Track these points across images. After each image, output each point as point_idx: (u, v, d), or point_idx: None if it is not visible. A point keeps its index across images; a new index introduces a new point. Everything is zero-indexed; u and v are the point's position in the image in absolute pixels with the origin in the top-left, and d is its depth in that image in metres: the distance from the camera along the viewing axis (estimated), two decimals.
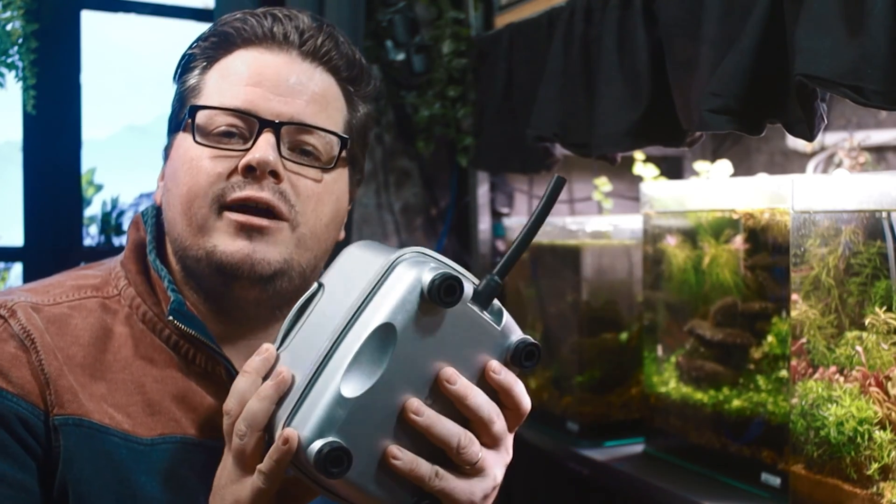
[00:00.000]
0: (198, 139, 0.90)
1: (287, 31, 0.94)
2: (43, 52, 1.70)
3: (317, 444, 0.69)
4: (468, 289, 0.74)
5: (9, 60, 1.66)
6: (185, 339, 0.91)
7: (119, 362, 0.89)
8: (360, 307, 0.73)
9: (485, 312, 0.75)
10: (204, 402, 0.91)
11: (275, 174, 0.89)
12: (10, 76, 1.66)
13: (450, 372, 0.74)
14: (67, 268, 1.01)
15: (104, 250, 1.94)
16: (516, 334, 0.77)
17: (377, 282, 0.73)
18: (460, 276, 0.73)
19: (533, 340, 0.77)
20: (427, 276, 0.72)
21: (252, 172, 0.89)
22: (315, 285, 0.80)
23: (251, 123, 0.91)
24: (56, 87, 1.79)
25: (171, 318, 0.89)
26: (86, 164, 1.91)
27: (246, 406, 0.74)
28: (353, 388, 0.70)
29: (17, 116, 1.78)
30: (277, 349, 0.78)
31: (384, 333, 0.71)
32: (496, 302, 0.76)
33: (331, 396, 0.70)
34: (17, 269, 1.93)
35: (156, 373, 0.90)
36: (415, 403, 0.72)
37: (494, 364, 0.76)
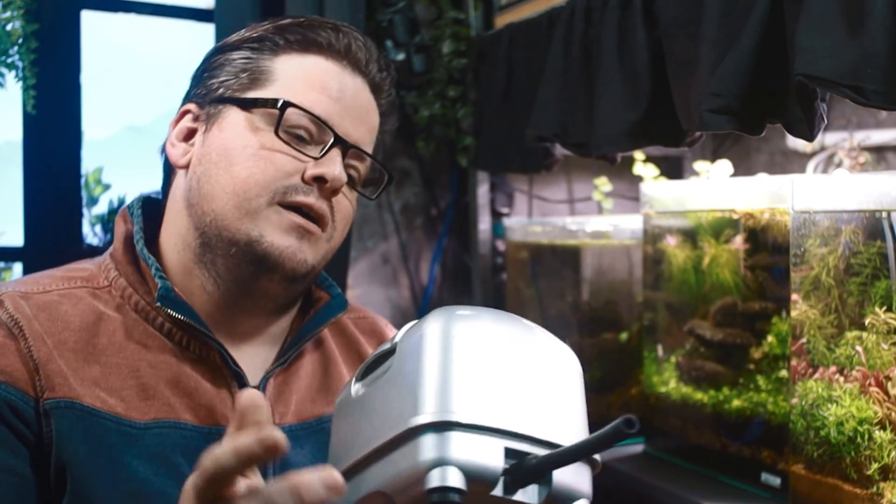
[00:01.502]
0: (280, 134, 0.92)
1: (365, 59, 0.98)
2: (43, 52, 1.70)
3: None
4: (491, 475, 0.63)
5: (9, 60, 1.66)
6: (177, 327, 0.91)
7: (113, 346, 0.89)
8: (369, 457, 0.67)
9: (518, 493, 0.64)
10: (199, 387, 0.91)
11: (336, 192, 0.93)
12: (10, 76, 1.66)
13: None
14: None
15: (105, 250, 1.94)
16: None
17: (393, 441, 0.65)
18: (478, 472, 0.62)
19: None
20: (432, 479, 0.61)
21: (321, 184, 0.92)
22: (391, 346, 0.71)
23: (326, 134, 0.93)
24: (56, 87, 1.79)
25: (159, 304, 0.90)
26: (86, 164, 1.91)
27: None
28: None
29: (17, 116, 1.78)
30: (358, 381, 0.73)
31: (383, 498, 0.65)
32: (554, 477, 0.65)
33: None
34: (17, 269, 1.93)
35: (150, 358, 0.90)
36: None
37: None
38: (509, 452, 0.64)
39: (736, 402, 1.42)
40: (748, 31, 1.16)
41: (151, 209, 0.99)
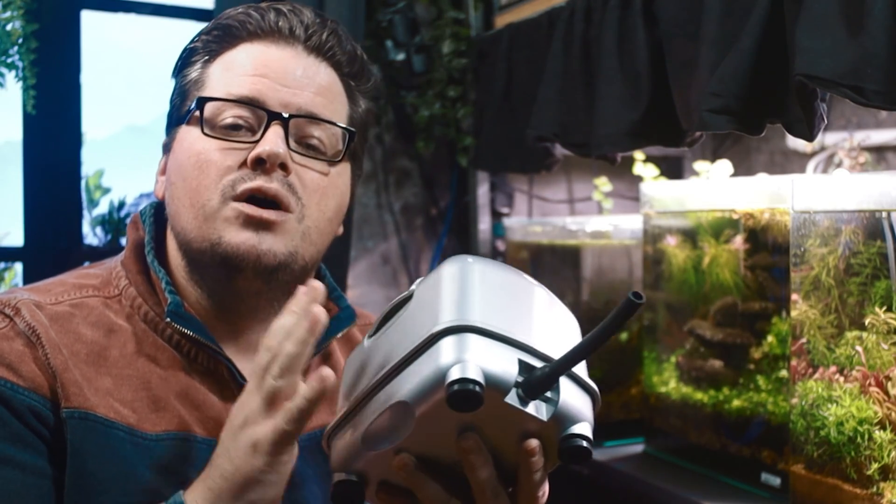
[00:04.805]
0: (206, 131, 0.91)
1: (292, 26, 0.95)
2: (43, 52, 1.70)
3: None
4: (505, 382, 0.66)
5: (9, 60, 1.66)
6: (186, 339, 0.92)
7: (125, 358, 0.89)
8: (389, 374, 0.69)
9: (528, 405, 0.67)
10: (207, 399, 0.91)
11: (284, 167, 0.90)
12: (10, 76, 1.66)
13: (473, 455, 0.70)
14: (67, 268, 1.01)
15: (105, 250, 1.94)
16: (568, 423, 0.69)
17: (414, 351, 0.68)
18: (494, 377, 0.65)
19: (582, 444, 0.69)
20: (452, 374, 0.64)
21: (261, 165, 0.89)
22: (408, 293, 0.76)
23: (259, 115, 0.91)
24: (56, 87, 1.79)
25: (168, 319, 0.90)
26: (86, 164, 1.92)
27: (282, 349, 0.75)
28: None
29: (17, 116, 1.78)
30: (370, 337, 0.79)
31: (403, 409, 0.68)
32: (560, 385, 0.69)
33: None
34: (18, 268, 1.93)
35: (160, 371, 0.90)
36: (404, 460, 0.71)
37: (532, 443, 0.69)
38: (522, 366, 0.67)
39: (736, 402, 1.42)
40: (748, 31, 1.16)
41: (163, 215, 0.99)
